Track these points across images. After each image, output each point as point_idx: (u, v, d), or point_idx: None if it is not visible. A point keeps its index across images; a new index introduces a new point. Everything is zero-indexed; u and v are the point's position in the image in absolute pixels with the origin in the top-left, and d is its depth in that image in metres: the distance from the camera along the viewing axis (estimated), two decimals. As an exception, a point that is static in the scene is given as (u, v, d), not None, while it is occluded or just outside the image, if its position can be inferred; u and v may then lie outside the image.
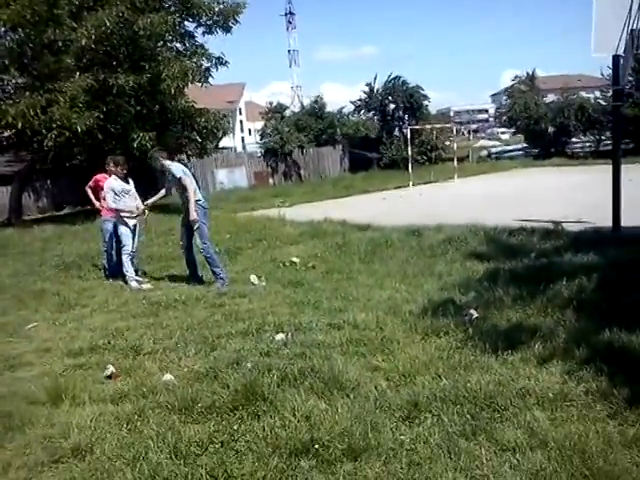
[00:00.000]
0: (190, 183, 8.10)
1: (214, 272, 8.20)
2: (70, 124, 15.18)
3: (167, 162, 8.49)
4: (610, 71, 10.98)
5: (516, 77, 38.71)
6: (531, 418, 3.50)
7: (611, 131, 17.69)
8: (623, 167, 9.90)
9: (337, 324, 5.58)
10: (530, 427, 3.40)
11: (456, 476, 3.03)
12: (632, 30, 8.93)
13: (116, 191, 8.67)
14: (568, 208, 12.55)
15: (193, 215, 7.96)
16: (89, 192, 9.90)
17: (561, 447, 3.17)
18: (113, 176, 8.81)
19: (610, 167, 9.98)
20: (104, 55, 17.22)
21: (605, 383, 3.84)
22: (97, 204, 9.58)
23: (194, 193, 8.06)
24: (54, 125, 15.37)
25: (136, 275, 8.75)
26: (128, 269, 8.60)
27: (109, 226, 9.12)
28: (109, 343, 5.59)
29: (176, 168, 8.31)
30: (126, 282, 8.57)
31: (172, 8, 18.65)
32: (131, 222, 8.75)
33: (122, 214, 8.70)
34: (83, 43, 15.70)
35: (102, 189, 9.13)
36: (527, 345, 4.59)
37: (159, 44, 18.00)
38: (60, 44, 15.87)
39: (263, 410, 3.83)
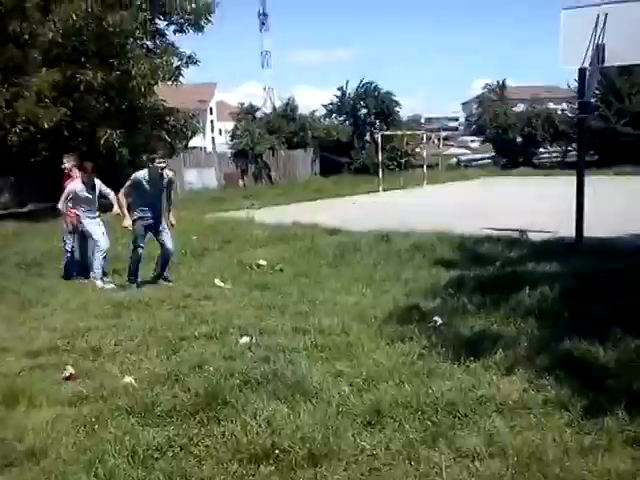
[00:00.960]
0: None
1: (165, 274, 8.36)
2: (36, 119, 14.89)
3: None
4: (577, 84, 11.18)
5: (486, 85, 39.14)
6: (491, 426, 3.53)
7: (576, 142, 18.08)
8: (587, 179, 10.09)
9: (303, 328, 5.56)
10: (489, 434, 3.44)
11: (416, 483, 3.04)
12: (597, 45, 9.12)
13: (78, 194, 8.50)
14: (533, 217, 12.73)
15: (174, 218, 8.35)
16: None
17: (519, 455, 3.20)
18: (79, 179, 8.61)
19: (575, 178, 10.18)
20: (72, 50, 16.92)
21: (564, 392, 3.90)
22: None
23: None
24: (19, 120, 15.06)
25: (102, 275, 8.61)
26: (97, 268, 8.44)
27: (67, 225, 8.95)
28: (69, 344, 5.48)
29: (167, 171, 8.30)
30: (88, 280, 8.43)
31: (143, 5, 18.45)
32: (93, 222, 8.57)
33: (81, 216, 8.55)
34: (50, 37, 15.42)
35: None
36: (489, 353, 4.63)
37: (129, 41, 17.75)
38: (26, 37, 15.56)
39: (224, 414, 3.79)
